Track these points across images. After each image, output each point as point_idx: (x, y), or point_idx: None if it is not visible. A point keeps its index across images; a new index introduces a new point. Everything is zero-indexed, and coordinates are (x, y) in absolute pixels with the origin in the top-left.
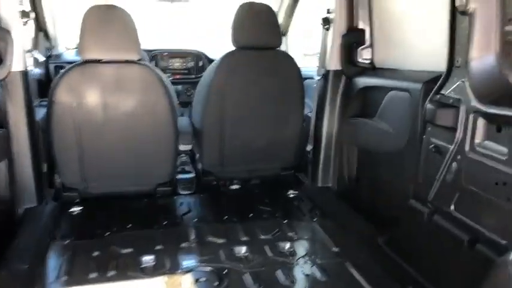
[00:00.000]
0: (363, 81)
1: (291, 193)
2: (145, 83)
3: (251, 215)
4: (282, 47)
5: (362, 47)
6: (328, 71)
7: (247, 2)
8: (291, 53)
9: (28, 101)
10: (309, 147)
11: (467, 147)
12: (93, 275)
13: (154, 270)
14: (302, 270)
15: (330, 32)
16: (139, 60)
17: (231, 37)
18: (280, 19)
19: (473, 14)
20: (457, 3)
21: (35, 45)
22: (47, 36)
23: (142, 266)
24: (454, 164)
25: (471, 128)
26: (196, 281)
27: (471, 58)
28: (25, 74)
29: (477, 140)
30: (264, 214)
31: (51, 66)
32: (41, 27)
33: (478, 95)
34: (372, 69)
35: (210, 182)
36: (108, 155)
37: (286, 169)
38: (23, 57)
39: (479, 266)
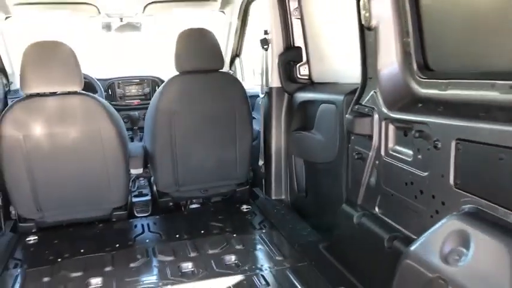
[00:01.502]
0: (301, 95)
1: (245, 208)
2: (89, 112)
3: (202, 231)
4: (237, 67)
5: (299, 64)
6: (270, 89)
7: (187, 29)
8: (245, 72)
9: None
10: (261, 162)
11: (382, 152)
12: None
13: None
14: (245, 280)
15: (269, 51)
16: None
17: (174, 63)
18: (231, 42)
19: (377, 29)
20: (363, 20)
21: None
22: (4, 73)
23: (90, 287)
24: (374, 169)
25: (384, 134)
26: None
27: (379, 69)
28: None
29: (390, 145)
30: (215, 230)
31: (9, 101)
32: None
33: (387, 103)
34: (310, 84)
35: (167, 203)
36: (60, 183)
37: (241, 185)
38: None
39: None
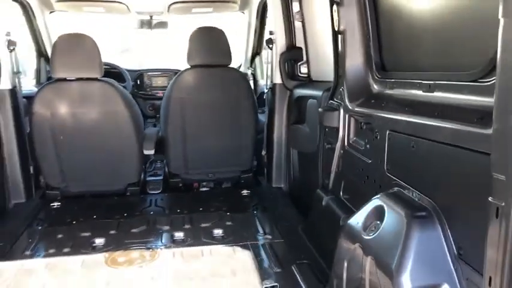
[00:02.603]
0: (298, 91)
1: (245, 192)
2: (106, 96)
3: (201, 209)
4: (257, 65)
5: (300, 62)
6: (274, 85)
7: (200, 27)
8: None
9: (16, 114)
10: (263, 152)
11: (345, 143)
12: (51, 251)
13: (101, 249)
14: (225, 249)
15: (274, 50)
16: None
17: (186, 57)
18: (251, 41)
19: (345, 33)
20: (334, 25)
21: (38, 69)
22: (47, 60)
23: (94, 245)
24: (340, 158)
25: (347, 126)
26: (128, 257)
27: (346, 69)
28: (13, 91)
29: (351, 136)
30: (212, 208)
31: None
32: (41, 54)
33: (351, 98)
34: (309, 81)
35: (177, 184)
36: (81, 158)
37: (245, 172)
38: (11, 78)
39: None
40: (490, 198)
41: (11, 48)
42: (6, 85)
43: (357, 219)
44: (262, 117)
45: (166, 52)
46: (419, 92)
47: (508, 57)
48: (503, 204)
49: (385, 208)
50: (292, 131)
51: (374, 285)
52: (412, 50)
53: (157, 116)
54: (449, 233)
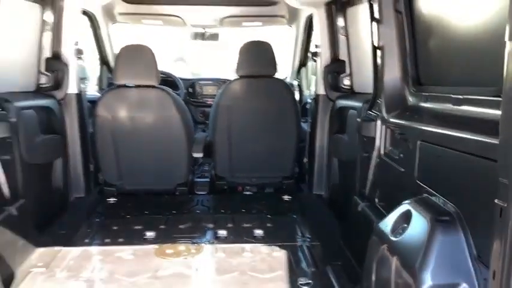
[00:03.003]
0: (340, 102)
1: (286, 197)
2: (162, 102)
3: (243, 210)
4: (303, 76)
5: (343, 75)
6: (317, 95)
7: (249, 41)
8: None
9: (81, 116)
10: (305, 160)
11: (382, 152)
12: (107, 240)
13: (151, 241)
14: (263, 247)
15: (318, 62)
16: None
17: (236, 68)
18: (298, 53)
19: (383, 49)
20: (374, 41)
21: (100, 76)
22: (109, 69)
23: (145, 237)
24: (376, 167)
25: (383, 137)
26: (176, 249)
27: (384, 82)
28: (79, 95)
29: (387, 146)
30: (253, 210)
31: None
32: (104, 62)
33: (388, 110)
34: (351, 93)
35: (222, 186)
36: (137, 158)
37: (287, 178)
38: (77, 84)
39: None
40: (495, 200)
41: (79, 56)
42: (73, 90)
43: (387, 223)
44: (305, 126)
45: (216, 63)
46: (449, 105)
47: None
48: (505, 205)
49: (412, 212)
50: (333, 141)
51: (399, 284)
52: (444, 65)
53: (207, 122)
54: (471, 237)
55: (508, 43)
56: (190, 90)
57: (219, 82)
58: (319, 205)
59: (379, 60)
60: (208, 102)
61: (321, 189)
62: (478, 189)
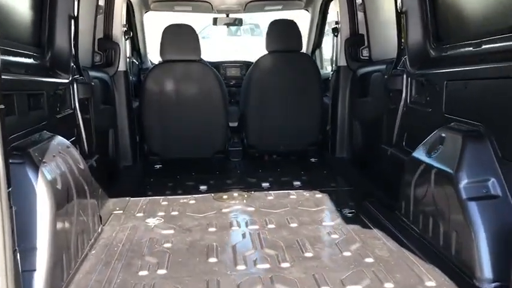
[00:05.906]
0: (361, 70)
1: (313, 159)
2: (204, 76)
3: (278, 169)
4: (317, 57)
5: (362, 47)
6: (339, 67)
7: (276, 19)
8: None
9: (128, 91)
10: (328, 127)
11: (408, 101)
12: (168, 192)
13: (207, 191)
14: (306, 192)
15: (339, 37)
16: (199, 60)
17: (265, 44)
18: (312, 35)
19: (406, 13)
20: (398, 6)
21: (130, 61)
22: (139, 54)
23: (200, 189)
24: (403, 115)
25: (410, 87)
26: (230, 195)
27: (408, 41)
28: (126, 72)
29: (413, 94)
30: (287, 168)
31: (141, 76)
32: (134, 47)
33: (412, 65)
34: (369, 62)
35: (254, 154)
36: (181, 128)
37: (312, 144)
38: (125, 62)
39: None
40: None
41: (127, 37)
42: (122, 67)
43: (421, 150)
44: (326, 100)
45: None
46: (470, 49)
47: None
48: None
49: (445, 135)
50: (356, 104)
51: (439, 191)
52: (461, 20)
53: (232, 100)
54: (496, 143)
55: None
56: None
57: (241, 64)
58: (344, 164)
59: (403, 23)
60: (232, 83)
61: (342, 152)
62: (498, 105)
